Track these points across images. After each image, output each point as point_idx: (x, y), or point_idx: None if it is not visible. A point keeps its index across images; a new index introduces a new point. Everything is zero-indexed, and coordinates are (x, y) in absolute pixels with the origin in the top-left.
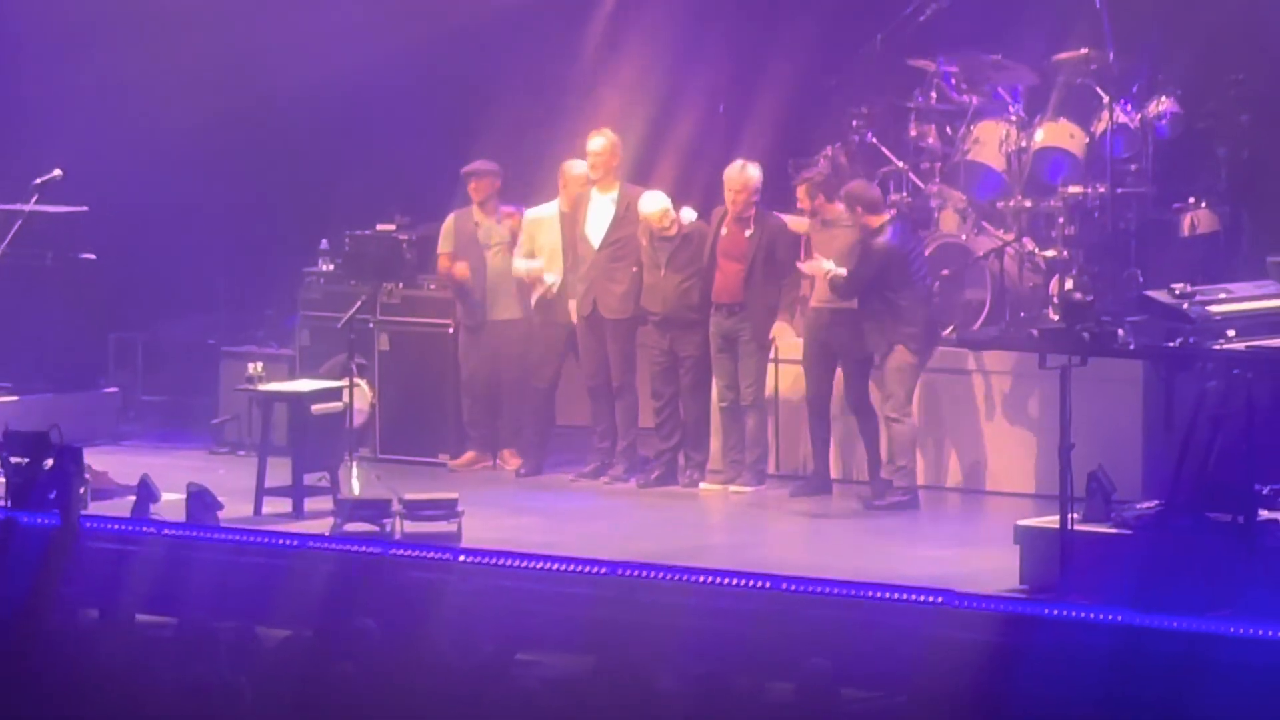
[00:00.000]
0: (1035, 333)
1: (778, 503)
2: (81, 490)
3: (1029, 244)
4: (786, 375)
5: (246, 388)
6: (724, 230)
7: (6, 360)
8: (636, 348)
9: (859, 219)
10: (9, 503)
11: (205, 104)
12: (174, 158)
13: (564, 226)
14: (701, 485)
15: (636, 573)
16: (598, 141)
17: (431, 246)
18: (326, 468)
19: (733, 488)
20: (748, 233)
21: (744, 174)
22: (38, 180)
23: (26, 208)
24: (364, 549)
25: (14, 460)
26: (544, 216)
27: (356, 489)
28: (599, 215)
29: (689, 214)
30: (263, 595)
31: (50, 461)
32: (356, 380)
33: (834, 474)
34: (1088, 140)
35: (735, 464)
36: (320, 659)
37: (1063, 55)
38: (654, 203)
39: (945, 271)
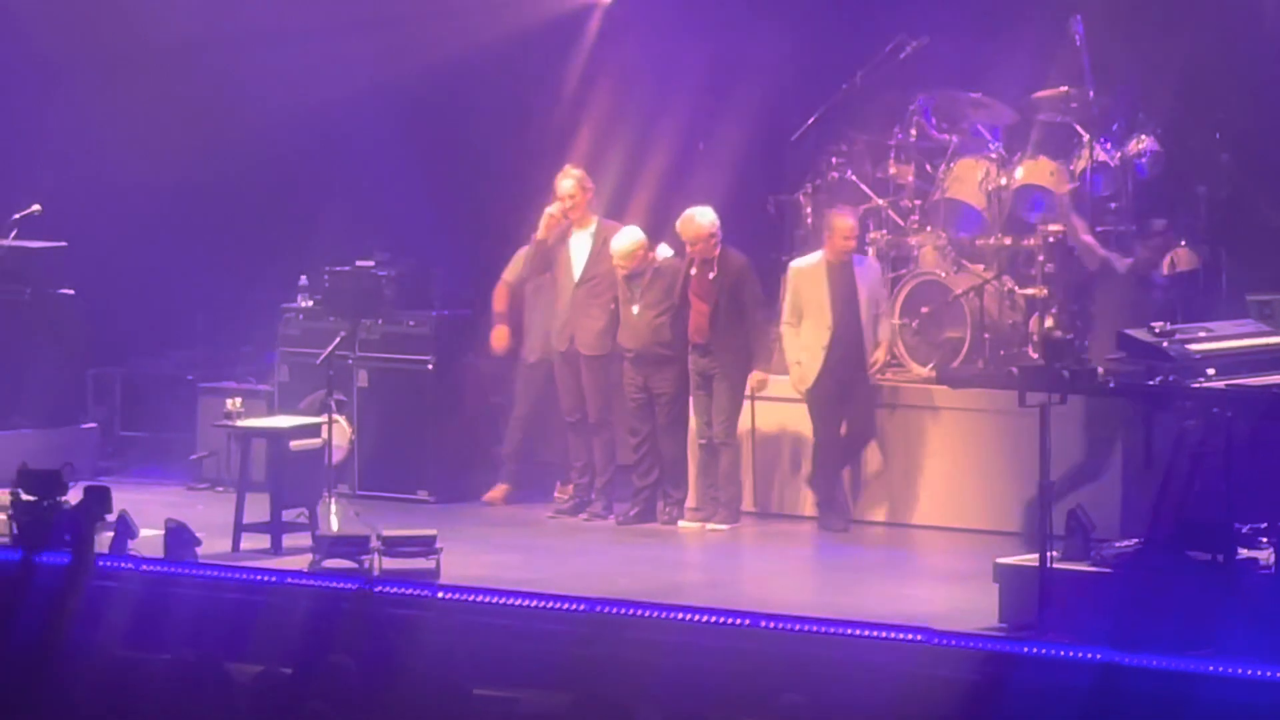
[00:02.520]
0: (1015, 370)
1: (755, 540)
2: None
3: (1009, 282)
4: (763, 413)
5: (225, 424)
6: (693, 270)
7: None
8: (613, 385)
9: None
10: (20, 541)
11: (184, 140)
12: (153, 193)
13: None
14: (680, 523)
15: (615, 610)
16: (565, 184)
17: (414, 284)
18: (305, 504)
19: (710, 525)
20: (711, 274)
21: (694, 225)
22: (16, 215)
23: (5, 242)
24: (342, 585)
25: (26, 498)
26: (806, 266)
27: (335, 525)
28: (578, 251)
29: (665, 250)
30: (239, 631)
31: (65, 499)
32: (335, 416)
33: (809, 511)
34: (1067, 178)
35: (713, 501)
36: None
37: (1043, 93)
38: (625, 239)
39: (925, 309)
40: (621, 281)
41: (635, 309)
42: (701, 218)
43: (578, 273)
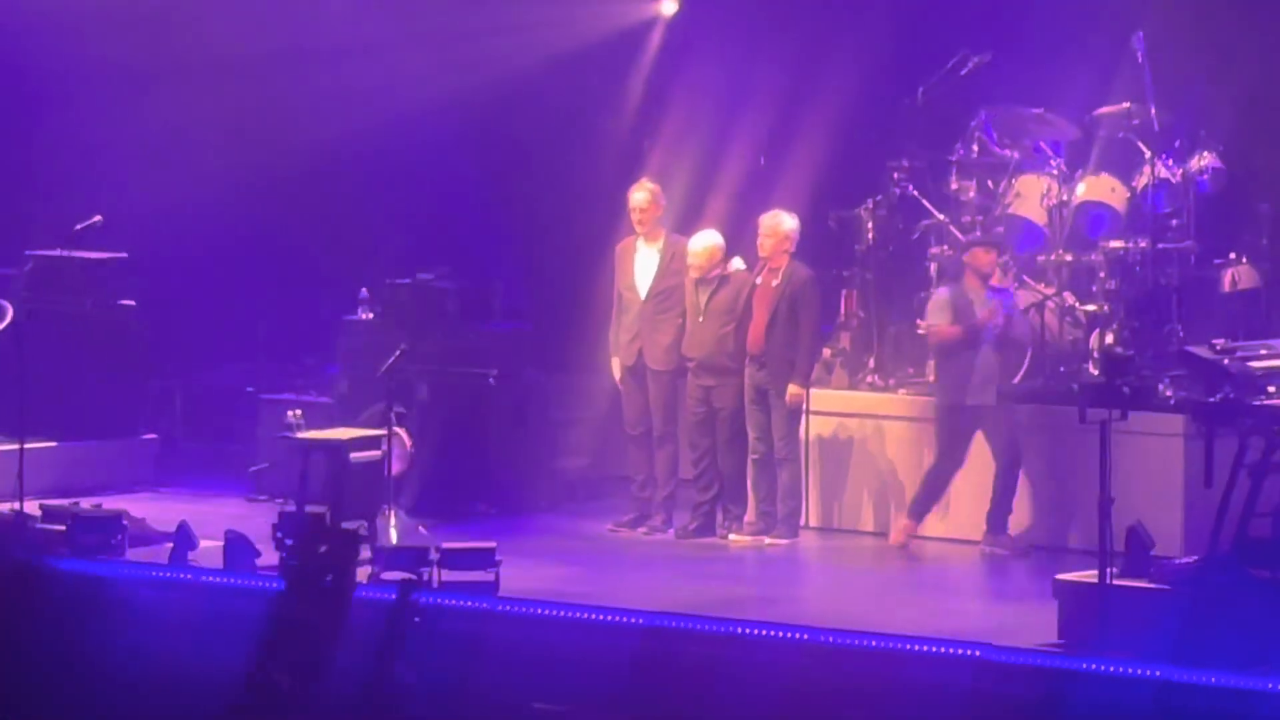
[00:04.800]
0: (1075, 387)
1: (814, 555)
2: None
3: (1070, 298)
4: (822, 427)
5: (285, 435)
6: (758, 280)
7: (45, 407)
8: (678, 399)
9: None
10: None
11: (247, 151)
12: (214, 204)
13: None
14: (731, 536)
15: (674, 624)
16: (640, 195)
17: (476, 296)
18: (364, 516)
19: (768, 540)
20: (775, 282)
21: (776, 219)
22: (78, 226)
23: (66, 253)
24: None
25: (288, 542)
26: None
27: (394, 537)
28: (645, 266)
29: (738, 263)
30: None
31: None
32: (395, 429)
33: (868, 526)
34: (1129, 195)
35: (767, 515)
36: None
37: (1104, 109)
38: (703, 239)
39: None
40: (690, 287)
41: (701, 318)
42: (786, 218)
43: (645, 288)
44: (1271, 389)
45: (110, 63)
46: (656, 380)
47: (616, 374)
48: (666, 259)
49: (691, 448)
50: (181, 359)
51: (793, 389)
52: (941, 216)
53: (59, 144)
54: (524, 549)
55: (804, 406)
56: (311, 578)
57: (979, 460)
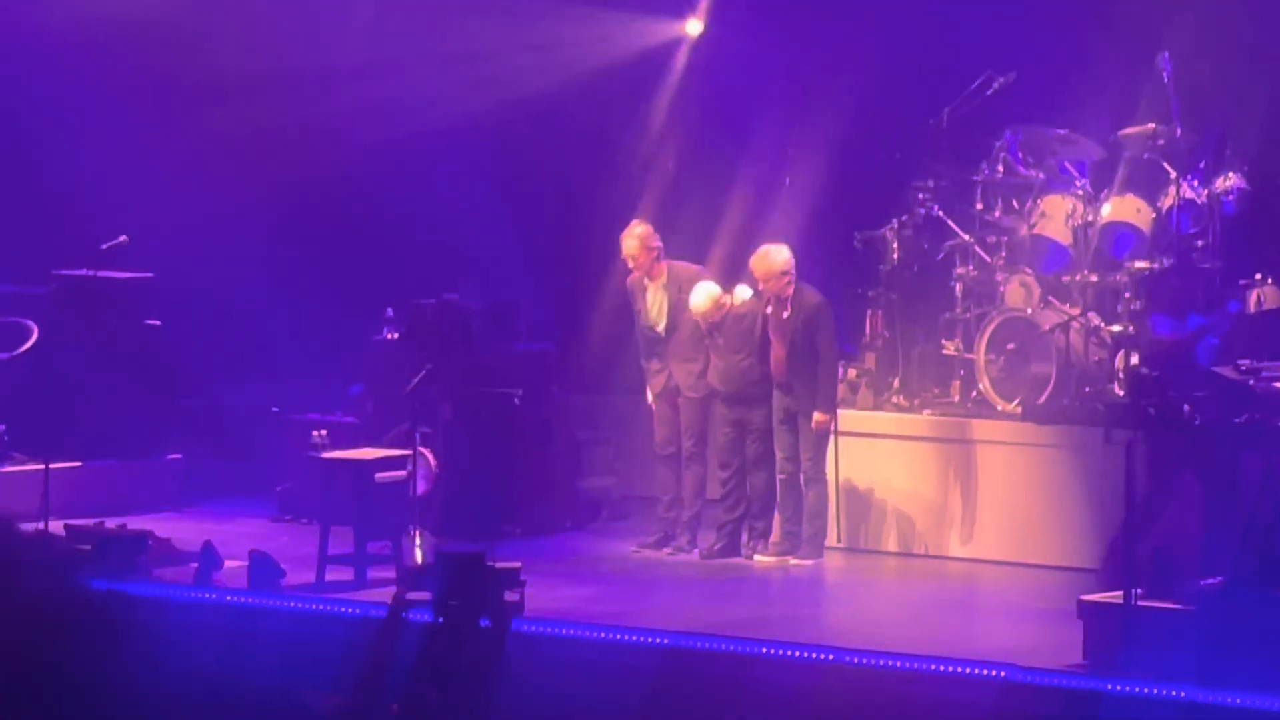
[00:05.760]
0: (1100, 407)
1: (838, 575)
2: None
3: (1095, 318)
4: (849, 449)
5: (310, 455)
6: (769, 309)
7: (71, 427)
8: (709, 421)
9: None
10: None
11: (273, 171)
12: (239, 224)
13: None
14: (756, 557)
15: (699, 644)
16: (629, 243)
17: (500, 316)
18: (389, 536)
19: (793, 560)
20: (785, 313)
21: (766, 260)
22: (104, 246)
23: (92, 273)
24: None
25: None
26: None
27: (419, 557)
28: (656, 302)
29: (744, 292)
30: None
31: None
32: (420, 449)
33: (893, 546)
34: (1154, 215)
35: (792, 536)
36: None
37: (1130, 130)
38: (700, 297)
39: (1011, 345)
40: (703, 327)
41: (719, 356)
42: (775, 255)
43: (663, 324)
44: None
45: (136, 83)
46: (688, 404)
47: (650, 398)
48: (674, 292)
49: (722, 467)
50: (206, 379)
51: (818, 416)
52: (967, 237)
53: (85, 164)
54: (549, 569)
55: (832, 429)
56: (470, 618)
57: (1006, 481)
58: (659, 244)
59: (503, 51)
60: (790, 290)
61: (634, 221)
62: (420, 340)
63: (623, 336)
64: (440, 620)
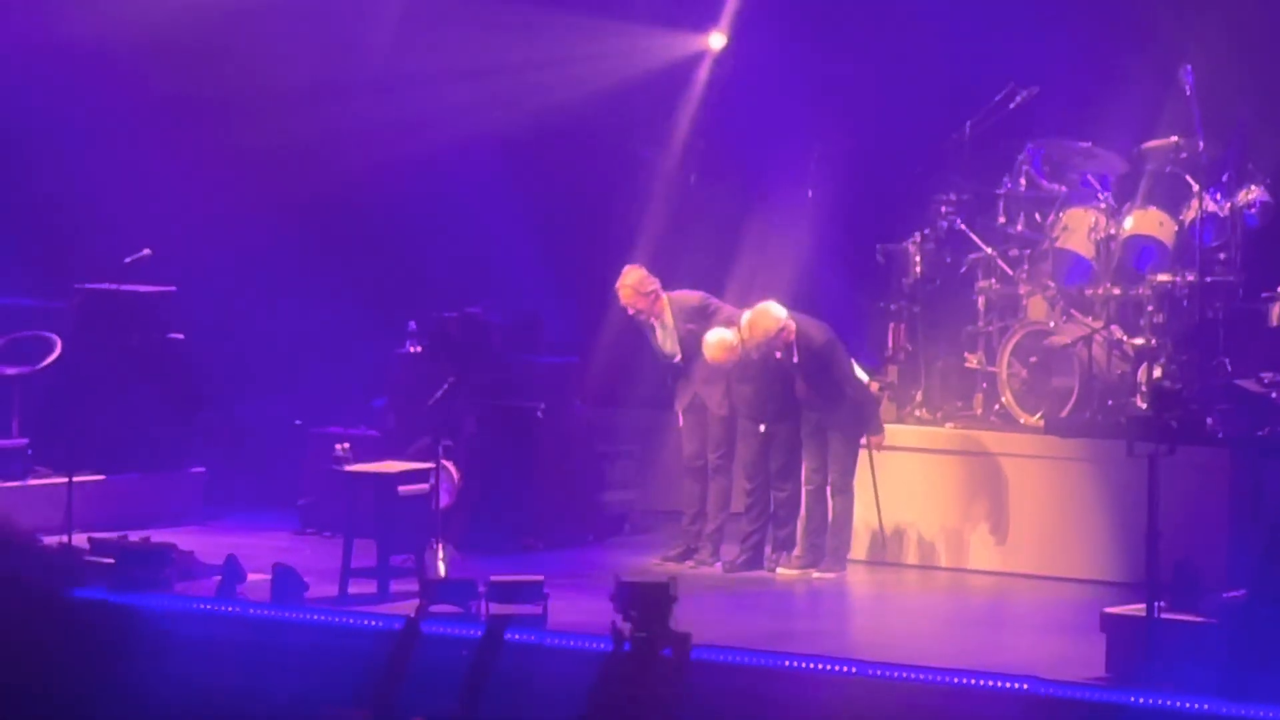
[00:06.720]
0: (1123, 420)
1: (861, 588)
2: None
3: (1117, 331)
4: (878, 463)
5: (333, 468)
6: (778, 355)
7: (93, 440)
8: (735, 435)
9: None
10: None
11: (294, 185)
12: (262, 238)
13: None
14: (778, 569)
15: (721, 657)
16: (623, 295)
17: (523, 330)
18: (412, 549)
19: (815, 573)
20: (795, 359)
21: (757, 328)
22: (127, 259)
23: (114, 287)
24: (448, 631)
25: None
26: None
27: (442, 571)
28: (666, 338)
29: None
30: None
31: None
32: (443, 462)
33: (915, 560)
34: (1177, 228)
35: (815, 549)
36: None
37: (1152, 143)
38: (714, 346)
39: (1033, 358)
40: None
41: (738, 384)
42: (759, 322)
43: (679, 354)
44: None
45: (158, 96)
46: (715, 419)
47: (679, 412)
48: (681, 323)
49: (748, 479)
50: (229, 392)
51: (874, 440)
52: (989, 250)
53: (108, 178)
54: (571, 582)
55: (866, 441)
56: (654, 649)
57: (1028, 494)
58: (654, 285)
59: (526, 66)
60: (791, 337)
61: (625, 270)
62: (443, 353)
63: (645, 350)
64: (626, 649)
